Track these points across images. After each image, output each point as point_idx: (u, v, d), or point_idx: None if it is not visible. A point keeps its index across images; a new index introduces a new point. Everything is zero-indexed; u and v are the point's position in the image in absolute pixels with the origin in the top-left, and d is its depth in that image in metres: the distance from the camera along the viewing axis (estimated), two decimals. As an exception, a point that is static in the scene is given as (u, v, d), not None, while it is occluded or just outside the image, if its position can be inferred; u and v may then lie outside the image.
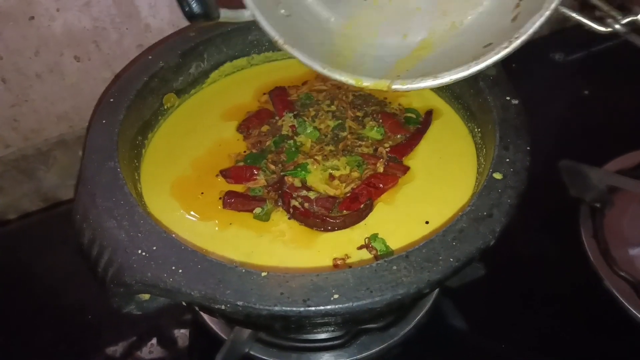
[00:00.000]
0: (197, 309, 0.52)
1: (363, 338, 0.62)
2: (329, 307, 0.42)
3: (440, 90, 0.66)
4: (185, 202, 0.57)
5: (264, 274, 0.44)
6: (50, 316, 0.66)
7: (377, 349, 0.61)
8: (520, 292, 0.68)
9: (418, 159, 0.60)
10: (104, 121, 0.57)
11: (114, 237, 0.47)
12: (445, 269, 0.44)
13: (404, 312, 0.61)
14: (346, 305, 0.42)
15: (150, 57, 0.64)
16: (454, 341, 0.65)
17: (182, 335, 0.65)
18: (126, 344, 0.64)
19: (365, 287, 0.43)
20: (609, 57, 0.93)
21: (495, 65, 0.58)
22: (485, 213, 0.47)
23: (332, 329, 0.56)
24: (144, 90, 0.61)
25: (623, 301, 0.65)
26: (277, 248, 0.53)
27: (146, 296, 0.48)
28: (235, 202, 0.57)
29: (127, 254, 0.46)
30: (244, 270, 0.44)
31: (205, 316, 0.64)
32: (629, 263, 0.69)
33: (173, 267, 0.45)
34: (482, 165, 0.56)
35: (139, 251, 0.46)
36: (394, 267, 0.44)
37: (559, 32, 1.06)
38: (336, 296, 0.42)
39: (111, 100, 0.59)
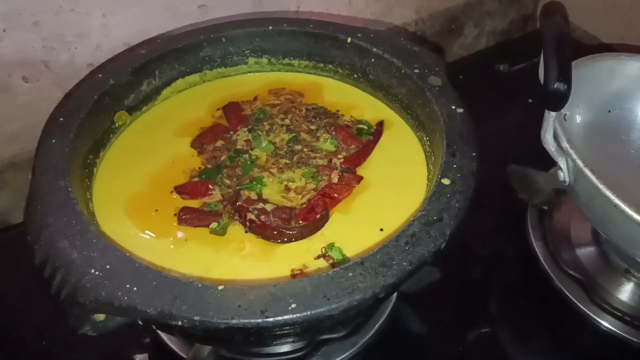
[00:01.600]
0: (154, 327, 0.51)
1: (324, 348, 0.62)
2: (287, 316, 0.42)
3: (390, 101, 0.67)
4: (139, 220, 0.57)
5: (220, 287, 0.44)
6: (3, 343, 0.64)
7: (339, 358, 0.61)
8: (475, 293, 0.70)
9: (371, 169, 0.61)
10: (53, 140, 0.56)
11: (67, 257, 0.46)
12: (400, 273, 0.45)
13: (364, 320, 0.62)
14: (304, 314, 0.42)
15: (100, 75, 0.64)
16: (415, 345, 0.66)
17: (141, 358, 0.64)
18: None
19: (322, 294, 0.43)
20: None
21: (441, 76, 0.61)
22: (435, 217, 0.48)
23: (293, 339, 0.56)
24: (95, 109, 0.60)
25: (572, 299, 0.67)
26: (235, 262, 0.53)
27: (101, 316, 0.47)
28: (191, 217, 0.56)
29: (80, 273, 0.45)
30: (200, 285, 0.44)
31: (165, 336, 0.63)
32: (576, 262, 0.71)
33: (128, 285, 0.44)
34: (432, 172, 0.57)
35: (93, 270, 0.45)
36: (350, 274, 0.44)
37: (503, 44, 1.11)
38: (294, 305, 0.42)
39: (61, 119, 0.58)
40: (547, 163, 0.80)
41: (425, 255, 0.46)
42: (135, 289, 0.44)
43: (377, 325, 0.64)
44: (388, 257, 0.45)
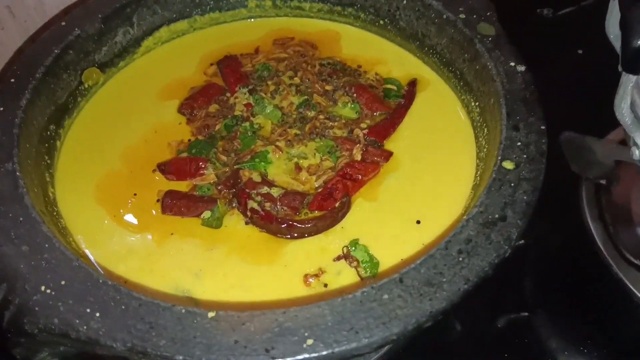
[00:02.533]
0: None
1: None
2: (300, 356, 0.31)
3: (425, 55, 0.55)
4: (113, 207, 0.47)
5: (211, 314, 0.33)
6: None
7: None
8: (518, 283, 0.60)
9: (402, 142, 0.51)
10: (1, 109, 0.46)
11: (11, 267, 0.37)
12: (452, 295, 0.34)
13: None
14: (324, 353, 0.32)
15: (63, 23, 0.52)
16: (441, 337, 0.56)
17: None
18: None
19: (348, 325, 0.32)
20: (604, 11, 0.84)
21: (493, 23, 0.49)
22: (497, 215, 0.37)
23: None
24: (55, 66, 0.50)
25: (635, 291, 0.57)
26: (232, 265, 0.43)
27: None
28: (178, 205, 0.46)
29: (27, 291, 0.35)
30: (184, 311, 0.33)
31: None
32: (638, 246, 0.61)
33: (88, 310, 0.34)
34: (484, 149, 0.45)
35: (43, 288, 0.35)
36: (386, 296, 0.33)
37: (545, -17, 0.97)
38: (310, 341, 0.32)
39: (12, 80, 0.48)
40: (602, 127, 0.69)
41: (486, 268, 0.35)
42: (97, 315, 0.34)
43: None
44: (436, 272, 0.34)
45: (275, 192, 0.46)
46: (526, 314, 0.58)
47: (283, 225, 0.44)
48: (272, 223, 0.44)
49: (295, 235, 0.44)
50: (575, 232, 0.63)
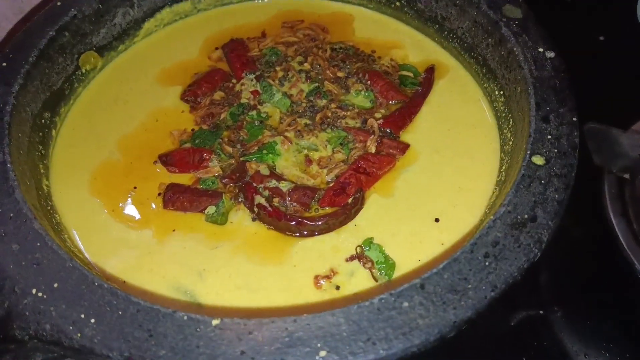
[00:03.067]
0: None
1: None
2: (313, 370, 0.29)
3: (445, 39, 0.51)
4: (111, 201, 0.44)
5: (215, 321, 0.30)
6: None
7: None
8: (535, 280, 0.57)
9: (420, 133, 0.48)
10: None
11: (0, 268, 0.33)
12: (478, 303, 0.31)
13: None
14: (338, 366, 0.29)
15: (59, 3, 0.49)
16: (462, 345, 0.54)
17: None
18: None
19: (365, 336, 0.30)
20: (627, -4, 0.80)
21: (520, 5, 0.45)
22: (526, 216, 0.34)
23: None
24: (50, 49, 0.47)
25: (661, 291, 0.54)
26: (238, 264, 0.40)
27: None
28: (181, 199, 0.44)
29: (16, 294, 0.33)
30: (186, 318, 0.31)
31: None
32: (664, 244, 0.58)
33: (82, 315, 0.32)
34: (510, 143, 0.42)
35: (34, 290, 0.33)
36: (405, 304, 0.31)
37: (566, -34, 0.93)
38: (323, 353, 0.29)
39: (4, 64, 0.45)
40: (626, 118, 0.66)
41: (514, 273, 0.32)
42: (92, 321, 0.31)
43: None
44: (460, 278, 0.31)
45: (284, 186, 0.43)
46: (541, 312, 0.56)
47: (292, 223, 0.41)
48: (280, 220, 0.41)
49: (305, 233, 0.41)
50: (596, 228, 0.60)
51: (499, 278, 0.32)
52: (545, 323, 0.55)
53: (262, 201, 0.42)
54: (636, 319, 0.56)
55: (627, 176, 0.62)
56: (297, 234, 0.41)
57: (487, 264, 0.32)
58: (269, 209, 0.41)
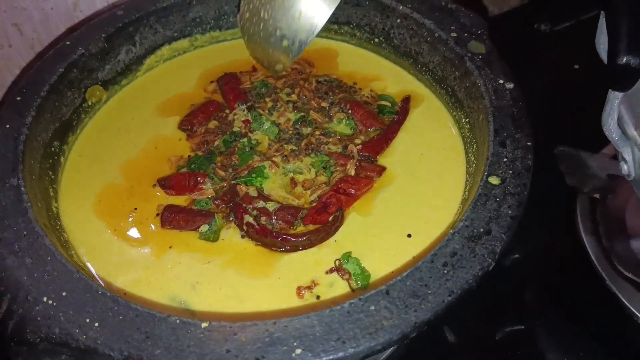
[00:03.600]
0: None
1: None
2: (289, 366, 0.32)
3: (419, 72, 0.56)
4: (114, 221, 0.48)
5: (204, 324, 0.34)
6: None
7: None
8: (514, 295, 0.61)
9: (396, 157, 0.52)
10: (7, 125, 0.47)
11: (14, 279, 0.38)
12: (437, 306, 0.35)
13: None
14: (312, 363, 0.32)
15: (67, 42, 0.53)
16: (442, 351, 0.57)
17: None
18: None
19: (336, 336, 0.34)
20: (598, 27, 0.85)
21: (484, 41, 0.50)
22: (482, 229, 0.38)
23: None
24: (59, 84, 0.51)
25: (628, 304, 0.58)
26: (228, 277, 0.44)
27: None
28: (177, 218, 0.47)
29: (29, 302, 0.37)
30: (178, 321, 0.34)
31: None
32: (632, 260, 0.61)
33: (87, 320, 0.35)
34: (473, 165, 0.46)
35: (45, 298, 0.37)
36: (372, 307, 0.34)
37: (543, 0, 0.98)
38: (298, 351, 0.33)
39: (17, 98, 0.49)
40: (598, 142, 0.70)
41: (469, 280, 0.36)
42: (96, 324, 0.35)
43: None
44: (421, 285, 0.35)
45: (270, 206, 0.47)
46: (522, 327, 0.59)
47: (277, 239, 0.45)
48: (267, 237, 0.45)
49: (289, 248, 0.45)
50: (570, 246, 0.64)
51: (455, 284, 0.36)
52: (527, 336, 0.59)
53: (251, 220, 0.46)
54: (606, 329, 0.59)
55: (597, 196, 0.66)
56: (282, 249, 0.45)
57: (445, 272, 0.36)
58: (257, 226, 0.46)
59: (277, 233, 0.45)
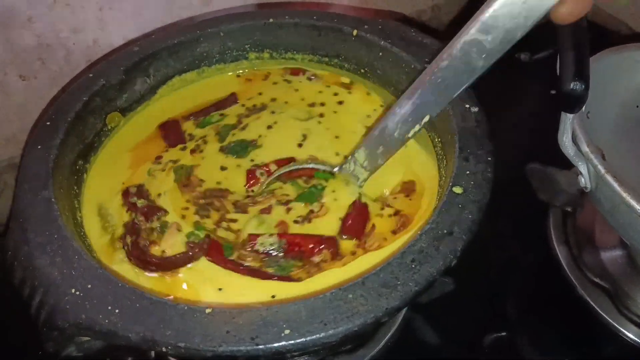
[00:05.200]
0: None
1: (329, 362, 0.58)
2: (279, 344, 0.39)
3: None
4: None
5: (208, 310, 0.40)
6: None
7: (345, 373, 0.57)
8: (492, 303, 0.66)
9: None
10: (39, 147, 0.53)
11: (46, 275, 0.44)
12: (405, 295, 0.41)
13: (371, 334, 0.58)
14: (298, 341, 0.39)
15: (90, 74, 0.60)
16: (427, 358, 0.62)
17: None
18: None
19: (318, 319, 0.39)
20: (575, 56, 0.91)
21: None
22: (445, 231, 0.44)
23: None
24: (84, 111, 0.57)
25: (597, 308, 0.63)
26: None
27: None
28: None
29: (59, 294, 0.42)
30: (186, 308, 0.40)
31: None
32: (601, 268, 0.66)
33: (109, 307, 0.41)
34: (444, 178, 0.53)
35: (73, 290, 0.42)
36: (350, 296, 0.40)
37: (523, 31, 1.04)
38: (287, 332, 0.39)
39: (47, 123, 0.55)
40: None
41: (434, 273, 0.42)
42: (117, 311, 0.41)
43: (386, 337, 0.60)
44: (392, 277, 0.41)
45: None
46: (504, 333, 0.64)
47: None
48: None
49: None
50: (543, 255, 0.69)
51: (421, 277, 0.41)
52: (510, 343, 0.63)
53: None
54: (577, 333, 0.63)
55: (569, 209, 0.71)
56: None
57: (413, 266, 0.42)
58: None
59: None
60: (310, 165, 0.55)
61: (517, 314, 0.66)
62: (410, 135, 0.48)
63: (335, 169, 0.54)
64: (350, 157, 0.53)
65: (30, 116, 0.71)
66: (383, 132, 0.49)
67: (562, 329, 0.64)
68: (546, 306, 0.66)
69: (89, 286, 0.42)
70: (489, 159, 0.49)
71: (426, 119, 0.47)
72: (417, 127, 0.47)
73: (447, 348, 0.62)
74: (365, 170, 0.52)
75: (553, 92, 0.91)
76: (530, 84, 0.92)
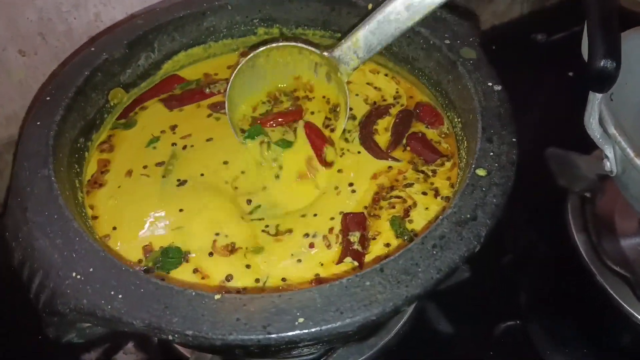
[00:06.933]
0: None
1: (340, 351, 0.56)
2: (292, 333, 0.37)
3: (416, 76, 0.60)
4: None
5: (217, 296, 0.38)
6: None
7: (356, 362, 0.55)
8: (508, 291, 0.64)
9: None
10: (38, 123, 0.50)
11: (46, 257, 0.41)
12: (425, 282, 0.38)
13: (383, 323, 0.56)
14: (313, 330, 0.36)
15: (92, 49, 0.58)
16: (440, 347, 0.60)
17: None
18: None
19: (334, 307, 0.37)
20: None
21: (475, 47, 0.54)
22: (468, 215, 0.42)
23: (301, 352, 0.51)
24: (85, 87, 0.55)
25: (616, 297, 0.61)
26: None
27: (88, 322, 0.42)
28: None
29: (60, 277, 0.40)
30: (194, 294, 0.38)
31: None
32: (621, 256, 0.64)
33: (112, 292, 0.39)
34: (464, 160, 0.50)
35: (74, 274, 0.40)
36: (367, 283, 0.38)
37: (539, 12, 1.01)
38: (301, 320, 0.37)
39: (47, 98, 0.53)
40: (590, 145, 0.73)
41: (456, 260, 0.39)
42: (120, 296, 0.39)
43: (398, 326, 0.59)
44: (412, 264, 0.39)
45: None
46: (518, 322, 0.62)
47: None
48: None
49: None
50: (561, 243, 0.67)
51: (443, 264, 0.39)
52: (523, 332, 0.62)
53: None
54: (596, 322, 0.61)
55: (588, 195, 0.69)
56: None
57: (434, 252, 0.40)
58: None
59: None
60: (299, 45, 0.54)
61: (532, 302, 0.65)
62: (415, 21, 0.49)
63: (325, 53, 0.54)
64: (344, 40, 0.52)
65: (31, 93, 0.69)
66: (388, 16, 0.50)
67: (579, 319, 0.62)
68: (563, 295, 0.64)
69: (91, 269, 0.40)
70: (513, 140, 0.47)
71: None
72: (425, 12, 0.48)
73: (460, 336, 0.61)
74: (357, 57, 0.52)
75: (571, 74, 0.89)
76: (547, 66, 0.90)
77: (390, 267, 0.39)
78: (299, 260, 0.47)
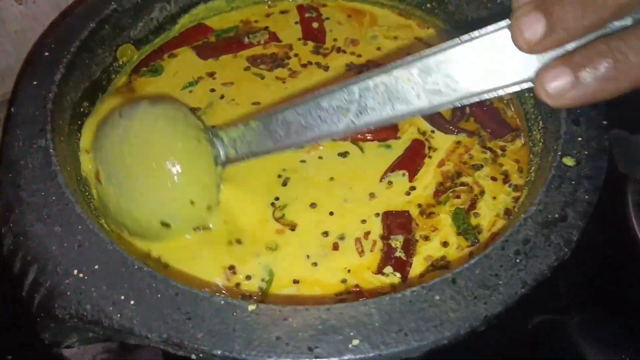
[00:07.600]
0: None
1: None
2: (346, 357, 0.29)
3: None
4: None
5: (251, 307, 0.31)
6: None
7: None
8: (557, 294, 0.57)
9: None
10: (34, 82, 0.44)
11: (42, 248, 0.35)
12: (508, 298, 0.31)
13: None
14: (371, 355, 0.29)
15: None
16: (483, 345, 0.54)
17: None
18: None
19: (397, 327, 0.30)
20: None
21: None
22: (557, 215, 0.35)
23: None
24: (90, 41, 0.48)
25: (681, 298, 0.54)
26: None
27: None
28: None
29: (58, 274, 0.34)
30: (223, 302, 0.31)
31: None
32: (686, 250, 0.57)
33: (122, 297, 0.32)
34: (540, 144, 0.42)
35: (75, 271, 0.34)
36: (437, 297, 0.31)
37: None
38: (356, 342, 0.30)
39: (46, 54, 0.46)
40: (651, 125, 0.66)
41: (545, 271, 0.33)
42: (132, 302, 0.32)
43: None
44: (492, 274, 0.32)
45: None
46: (559, 317, 0.56)
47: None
48: None
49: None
50: (618, 235, 0.60)
51: (529, 275, 0.32)
52: (561, 328, 0.56)
53: None
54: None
55: (652, 182, 0.61)
56: None
57: (517, 261, 0.33)
58: None
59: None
60: None
61: (578, 297, 0.59)
62: None
63: None
64: None
65: (29, 47, 0.62)
66: None
67: (632, 318, 0.56)
68: (618, 293, 0.58)
69: (97, 267, 0.33)
70: (604, 122, 0.39)
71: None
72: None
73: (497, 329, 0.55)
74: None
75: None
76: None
77: (465, 277, 0.32)
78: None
